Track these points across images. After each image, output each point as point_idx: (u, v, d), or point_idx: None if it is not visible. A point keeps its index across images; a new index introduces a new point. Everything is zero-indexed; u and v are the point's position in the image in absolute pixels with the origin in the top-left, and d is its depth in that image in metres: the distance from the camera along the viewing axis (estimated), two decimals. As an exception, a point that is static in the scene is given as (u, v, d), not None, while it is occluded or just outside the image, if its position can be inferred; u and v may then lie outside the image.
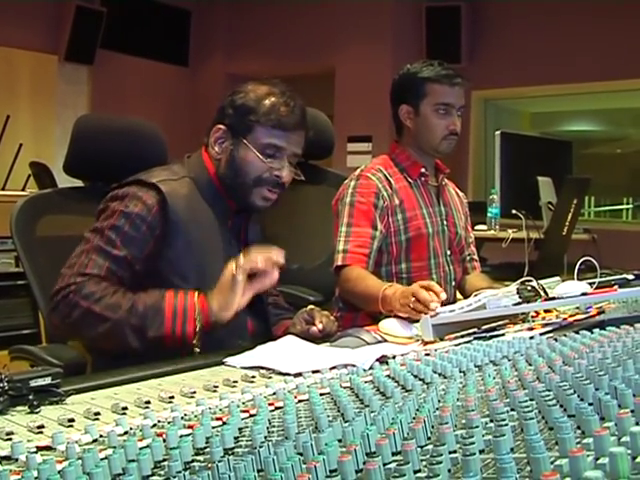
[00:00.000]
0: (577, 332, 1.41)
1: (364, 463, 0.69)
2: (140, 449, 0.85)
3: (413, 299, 1.81)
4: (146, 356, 1.63)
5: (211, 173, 1.87)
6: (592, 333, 1.37)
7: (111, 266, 1.73)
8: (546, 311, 1.81)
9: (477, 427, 0.77)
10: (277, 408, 1.08)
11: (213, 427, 0.96)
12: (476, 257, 2.65)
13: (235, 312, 1.72)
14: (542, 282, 1.82)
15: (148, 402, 1.16)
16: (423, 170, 2.45)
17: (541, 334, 1.52)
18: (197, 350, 1.70)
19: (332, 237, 2.39)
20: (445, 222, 2.49)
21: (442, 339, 1.64)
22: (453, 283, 2.49)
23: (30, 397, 1.15)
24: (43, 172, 5.47)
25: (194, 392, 1.23)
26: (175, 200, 1.78)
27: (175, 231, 1.78)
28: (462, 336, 1.63)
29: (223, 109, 1.88)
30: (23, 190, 5.02)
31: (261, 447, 0.78)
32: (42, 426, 1.04)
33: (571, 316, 1.76)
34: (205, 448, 0.89)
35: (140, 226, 1.76)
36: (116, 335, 1.67)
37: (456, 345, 1.51)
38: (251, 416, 1.03)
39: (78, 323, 1.68)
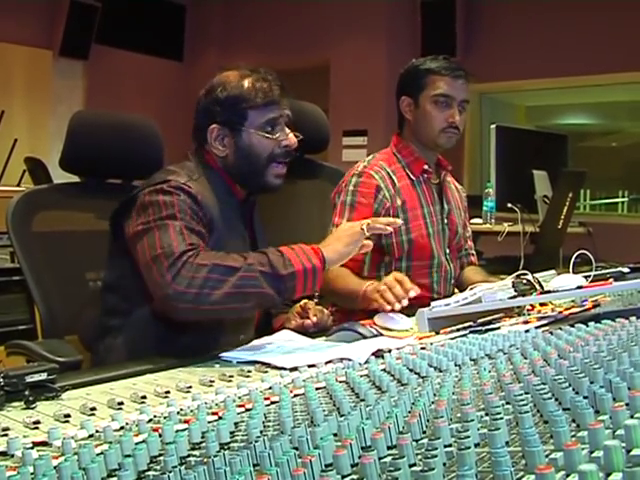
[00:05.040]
0: (572, 325, 1.41)
1: (359, 457, 0.69)
2: (136, 444, 0.86)
3: (384, 287, 1.89)
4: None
5: (219, 171, 1.87)
6: (587, 326, 1.38)
7: (202, 242, 1.70)
8: (542, 304, 1.82)
9: (472, 421, 0.77)
10: (273, 402, 1.08)
11: (209, 422, 0.97)
12: (473, 252, 2.63)
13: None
14: (537, 275, 1.83)
15: (144, 397, 1.16)
16: (426, 167, 2.42)
17: (536, 327, 1.53)
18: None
19: (328, 230, 2.38)
20: (445, 220, 2.45)
21: (438, 333, 1.65)
22: (452, 281, 2.48)
23: (26, 393, 1.16)
24: (38, 167, 5.46)
25: (190, 387, 1.23)
26: (203, 199, 1.77)
27: (209, 228, 1.77)
28: (458, 330, 1.63)
29: (207, 110, 1.88)
30: (18, 185, 5.01)
31: (257, 442, 0.78)
32: (38, 422, 1.04)
33: (566, 309, 1.76)
34: (201, 443, 0.89)
35: (197, 211, 1.74)
36: (251, 283, 1.60)
37: (452, 339, 1.52)
38: (247, 410, 1.04)
39: (207, 283, 1.58)
